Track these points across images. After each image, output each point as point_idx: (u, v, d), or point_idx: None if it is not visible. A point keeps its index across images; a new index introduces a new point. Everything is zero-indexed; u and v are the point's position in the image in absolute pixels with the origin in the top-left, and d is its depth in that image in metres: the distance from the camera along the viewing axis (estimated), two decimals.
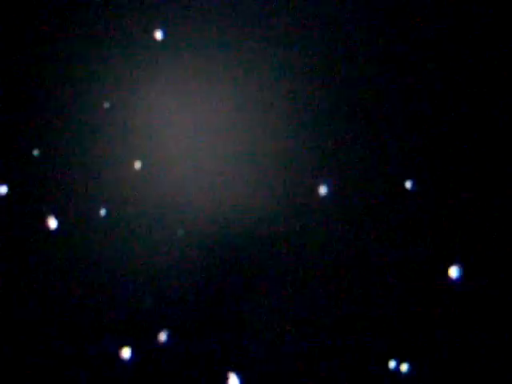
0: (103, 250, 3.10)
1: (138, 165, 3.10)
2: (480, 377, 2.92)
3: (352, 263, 3.05)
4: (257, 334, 3.05)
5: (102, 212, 3.11)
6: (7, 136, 3.13)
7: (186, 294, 3.08)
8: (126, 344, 3.02)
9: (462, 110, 3.07)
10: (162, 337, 2.83)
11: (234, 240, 3.11)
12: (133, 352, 3.01)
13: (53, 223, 2.87)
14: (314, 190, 3.08)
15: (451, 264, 2.96)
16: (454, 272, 2.90)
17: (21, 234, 3.08)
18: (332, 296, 3.04)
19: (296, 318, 3.05)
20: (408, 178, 3.03)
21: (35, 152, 3.12)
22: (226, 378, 2.96)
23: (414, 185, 2.92)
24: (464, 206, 3.01)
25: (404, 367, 2.90)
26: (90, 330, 3.04)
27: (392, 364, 2.86)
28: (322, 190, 3.00)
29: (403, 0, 3.09)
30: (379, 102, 3.10)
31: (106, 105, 3.14)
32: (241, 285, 3.08)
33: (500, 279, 2.94)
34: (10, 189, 3.07)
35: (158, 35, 3.15)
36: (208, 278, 3.08)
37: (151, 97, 3.17)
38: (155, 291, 3.07)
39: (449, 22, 3.08)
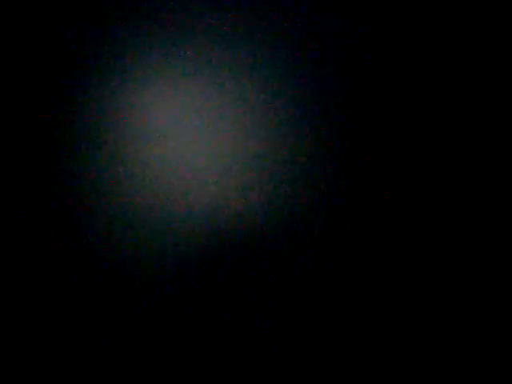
0: (102, 250, 3.10)
1: (138, 164, 3.11)
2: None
3: (353, 264, 3.05)
4: (256, 333, 3.05)
5: (102, 211, 3.12)
6: (7, 136, 3.14)
7: (184, 293, 3.09)
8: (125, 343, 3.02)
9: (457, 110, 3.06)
10: None
11: (234, 239, 3.11)
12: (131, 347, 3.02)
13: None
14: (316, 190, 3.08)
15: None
16: None
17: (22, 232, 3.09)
18: (331, 295, 3.03)
19: (295, 316, 3.05)
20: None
21: (36, 152, 3.13)
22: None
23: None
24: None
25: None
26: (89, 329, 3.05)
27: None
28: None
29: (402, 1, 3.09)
30: (379, 101, 3.10)
31: (107, 105, 3.16)
32: (239, 284, 3.09)
33: None
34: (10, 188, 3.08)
35: (160, 34, 3.16)
36: (206, 277, 3.08)
37: (151, 97, 3.19)
38: (152, 290, 3.07)
39: (447, 22, 3.08)
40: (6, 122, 3.15)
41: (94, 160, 3.16)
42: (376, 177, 3.09)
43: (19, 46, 3.17)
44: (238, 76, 3.21)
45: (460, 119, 3.06)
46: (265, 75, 3.21)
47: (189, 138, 3.18)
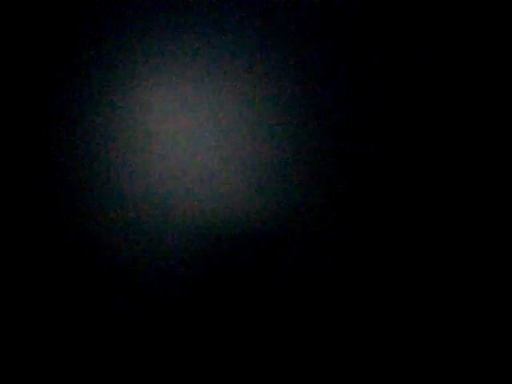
0: (102, 249, 3.10)
1: (138, 163, 3.11)
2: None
3: (352, 264, 3.05)
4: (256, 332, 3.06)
5: (102, 210, 3.11)
6: (7, 136, 3.13)
7: (185, 293, 3.09)
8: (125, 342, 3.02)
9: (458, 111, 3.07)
10: None
11: (234, 239, 3.11)
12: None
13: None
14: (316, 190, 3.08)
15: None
16: None
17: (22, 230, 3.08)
18: (333, 296, 3.04)
19: (296, 317, 3.05)
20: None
21: (36, 152, 3.13)
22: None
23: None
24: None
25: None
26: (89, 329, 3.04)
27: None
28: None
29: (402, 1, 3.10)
30: (382, 101, 3.10)
31: (107, 104, 3.15)
32: (239, 284, 3.09)
33: None
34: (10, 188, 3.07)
35: (160, 33, 3.15)
36: (206, 278, 3.08)
37: (151, 96, 3.18)
38: (153, 289, 3.07)
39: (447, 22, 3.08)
40: (5, 122, 3.14)
41: (95, 160, 3.15)
42: (382, 176, 3.09)
43: (19, 45, 3.16)
44: (241, 75, 3.20)
45: (460, 120, 3.07)
46: (268, 74, 3.20)
47: (190, 138, 3.17)
